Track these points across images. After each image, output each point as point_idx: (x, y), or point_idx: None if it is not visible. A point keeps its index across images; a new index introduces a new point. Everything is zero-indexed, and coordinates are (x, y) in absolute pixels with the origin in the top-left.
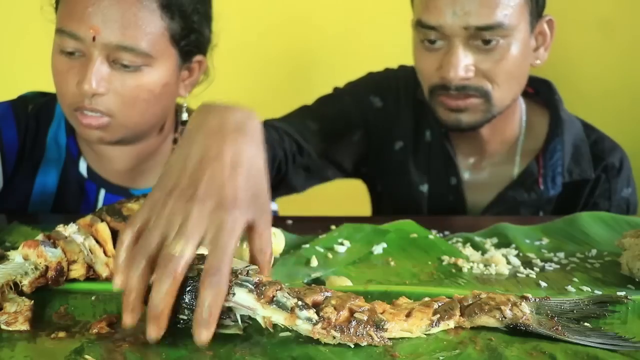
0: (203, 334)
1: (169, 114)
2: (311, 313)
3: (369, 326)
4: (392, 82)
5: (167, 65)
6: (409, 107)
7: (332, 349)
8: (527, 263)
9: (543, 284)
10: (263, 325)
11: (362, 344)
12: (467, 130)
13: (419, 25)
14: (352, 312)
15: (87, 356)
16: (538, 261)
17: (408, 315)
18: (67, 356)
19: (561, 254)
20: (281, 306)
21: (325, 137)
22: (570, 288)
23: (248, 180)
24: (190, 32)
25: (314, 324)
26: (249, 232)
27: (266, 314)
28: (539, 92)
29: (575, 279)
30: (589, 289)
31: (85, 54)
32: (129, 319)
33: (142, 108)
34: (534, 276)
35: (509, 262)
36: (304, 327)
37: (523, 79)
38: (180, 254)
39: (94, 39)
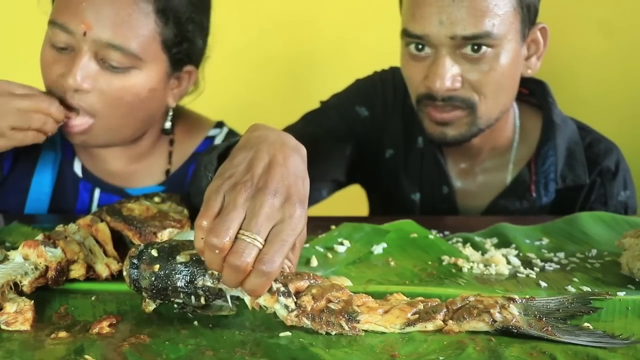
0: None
1: (157, 120)
2: (290, 302)
3: (340, 316)
4: (378, 89)
5: (156, 71)
6: (398, 113)
7: (332, 349)
8: (527, 263)
9: (543, 284)
10: (250, 307)
11: (332, 333)
12: (454, 144)
13: (405, 34)
14: (329, 302)
15: (87, 356)
16: (538, 261)
17: (387, 311)
18: (67, 356)
19: (561, 254)
20: None
21: (313, 158)
22: (570, 288)
23: (306, 191)
24: (183, 40)
25: (289, 312)
26: None
27: None
28: (534, 92)
29: (575, 279)
30: (589, 289)
31: (74, 48)
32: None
33: (125, 110)
34: (534, 276)
35: (509, 262)
36: (280, 312)
37: (512, 90)
38: (253, 243)
39: (84, 34)
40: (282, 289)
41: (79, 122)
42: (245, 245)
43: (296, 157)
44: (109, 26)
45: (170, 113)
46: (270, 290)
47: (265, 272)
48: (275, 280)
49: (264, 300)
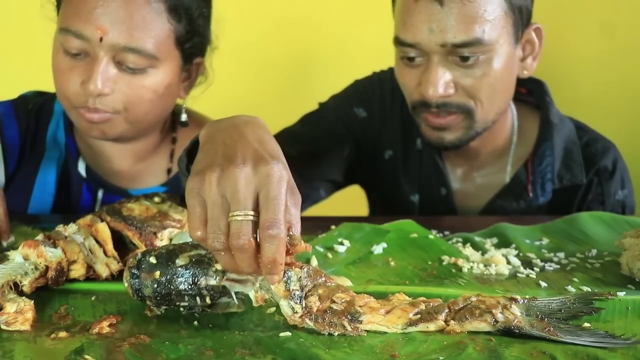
0: (274, 278)
1: (168, 114)
2: (298, 307)
3: (343, 317)
4: (376, 90)
5: (171, 67)
6: (396, 114)
7: (332, 349)
8: (527, 263)
9: (543, 284)
10: (254, 303)
11: (335, 334)
12: (452, 149)
13: (397, 42)
14: (332, 302)
15: (87, 356)
16: (538, 261)
17: (389, 311)
18: (67, 356)
19: (561, 254)
20: (285, 280)
21: (311, 158)
22: (570, 288)
23: (276, 147)
24: (194, 35)
25: (294, 313)
26: None
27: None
28: (532, 91)
29: (575, 279)
30: (589, 289)
31: (90, 54)
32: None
33: (145, 108)
34: (534, 276)
35: (509, 262)
36: (285, 310)
37: (508, 93)
38: (245, 219)
39: (101, 39)
40: (298, 292)
41: (98, 116)
42: (239, 225)
43: (251, 126)
44: (124, 30)
45: (184, 106)
46: (286, 286)
47: (273, 235)
48: (298, 280)
49: (276, 288)
